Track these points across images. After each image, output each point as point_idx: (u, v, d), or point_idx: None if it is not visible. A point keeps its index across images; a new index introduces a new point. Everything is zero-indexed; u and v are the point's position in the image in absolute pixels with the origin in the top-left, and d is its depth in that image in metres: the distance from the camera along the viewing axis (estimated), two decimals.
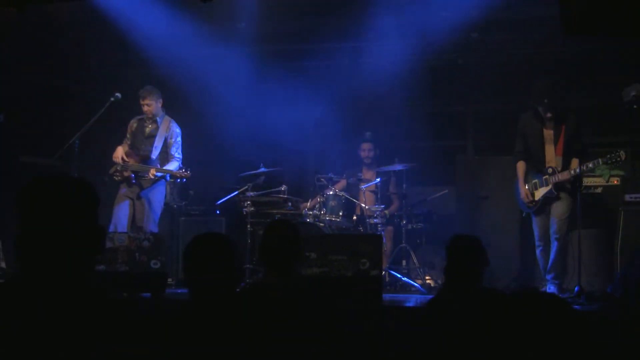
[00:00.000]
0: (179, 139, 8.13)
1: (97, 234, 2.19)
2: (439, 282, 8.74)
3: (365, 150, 9.23)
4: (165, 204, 9.17)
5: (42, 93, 9.47)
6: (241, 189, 8.87)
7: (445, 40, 9.57)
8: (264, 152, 10.03)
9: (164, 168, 7.85)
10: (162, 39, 9.97)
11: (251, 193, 8.74)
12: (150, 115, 8.09)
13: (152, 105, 8.02)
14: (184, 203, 9.54)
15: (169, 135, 8.08)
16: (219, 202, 9.14)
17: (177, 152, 8.09)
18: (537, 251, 7.45)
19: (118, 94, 7.91)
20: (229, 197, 9.00)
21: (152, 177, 7.78)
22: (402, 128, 10.26)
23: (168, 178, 8.18)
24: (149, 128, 8.12)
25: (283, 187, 8.82)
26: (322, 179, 8.65)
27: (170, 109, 9.33)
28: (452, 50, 9.74)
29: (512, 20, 9.02)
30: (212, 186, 9.69)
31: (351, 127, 10.33)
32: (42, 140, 9.03)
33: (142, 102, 8.02)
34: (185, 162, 8.62)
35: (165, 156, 8.06)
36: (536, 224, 7.47)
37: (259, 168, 8.85)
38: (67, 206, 2.11)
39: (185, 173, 7.82)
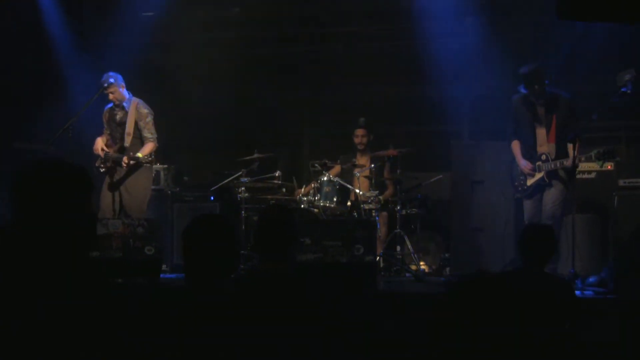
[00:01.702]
0: (149, 118, 7.98)
1: (89, 220, 2.18)
2: (433, 267, 8.76)
3: (359, 136, 9.20)
4: (159, 190, 9.16)
5: (36, 79, 9.42)
6: (235, 175, 8.85)
7: (439, 25, 9.59)
8: (258, 137, 10.05)
9: (135, 155, 7.75)
10: (157, 23, 9.98)
11: (245, 179, 8.72)
12: (117, 103, 8.01)
13: (115, 91, 7.90)
14: (177, 189, 9.54)
15: (138, 119, 7.98)
16: (213, 188, 9.13)
17: (149, 133, 7.96)
18: None
19: (112, 79, 7.86)
20: (223, 183, 8.99)
21: (125, 165, 7.72)
22: (397, 113, 10.27)
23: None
24: (118, 115, 8.03)
25: (277, 173, 8.80)
26: (316, 165, 8.62)
27: (163, 93, 9.33)
28: (446, 34, 9.72)
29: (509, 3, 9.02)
30: (206, 172, 9.68)
31: (345, 113, 10.34)
32: (36, 126, 8.99)
33: (105, 92, 7.93)
34: (176, 146, 8.63)
35: (140, 140, 7.99)
36: (526, 207, 7.54)
37: (253, 154, 8.83)
38: (61, 191, 2.09)
39: (149, 159, 7.76)
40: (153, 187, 8.91)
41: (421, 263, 8.57)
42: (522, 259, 4.84)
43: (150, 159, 7.75)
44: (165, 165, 9.42)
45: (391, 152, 8.68)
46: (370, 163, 8.86)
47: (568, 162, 7.10)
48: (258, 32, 10.21)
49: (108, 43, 9.52)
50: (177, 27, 10.08)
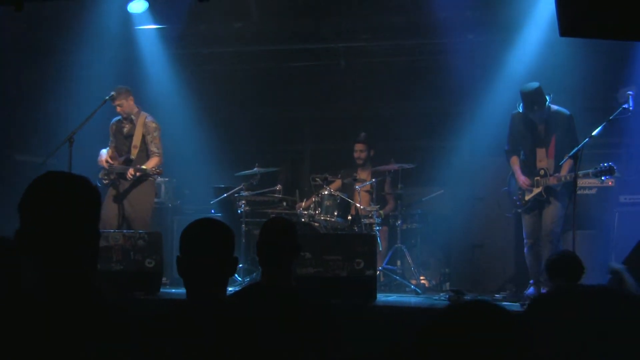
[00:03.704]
0: (157, 133, 8.04)
1: (96, 235, 2.17)
2: (433, 282, 8.75)
3: (358, 150, 9.23)
4: (160, 203, 9.16)
5: (35, 91, 9.44)
6: (236, 189, 8.86)
7: (441, 41, 9.63)
8: (259, 151, 10.05)
9: (141, 167, 7.77)
10: (155, 38, 10.02)
11: (246, 192, 8.72)
12: (125, 115, 8.03)
13: (123, 104, 7.94)
14: (178, 202, 9.54)
15: (146, 132, 8.00)
16: (214, 201, 9.13)
17: (155, 147, 8.00)
18: (525, 249, 7.55)
19: (113, 92, 7.88)
20: (223, 196, 8.99)
21: (130, 177, 7.74)
22: (398, 128, 10.27)
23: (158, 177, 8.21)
24: (126, 128, 8.07)
25: (278, 187, 8.81)
26: (317, 179, 8.63)
27: (163, 107, 9.33)
28: (447, 51, 9.76)
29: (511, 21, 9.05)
30: (207, 185, 9.68)
31: (346, 127, 10.34)
32: (36, 138, 9.00)
33: (113, 104, 7.95)
34: (177, 159, 8.60)
35: (145, 154, 8.01)
36: (525, 222, 7.55)
37: (254, 167, 8.83)
38: (74, 205, 2.08)
39: (157, 170, 7.78)
40: (154, 200, 8.91)
41: (421, 278, 8.56)
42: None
43: (158, 170, 7.78)
44: (166, 179, 9.42)
45: (392, 166, 8.70)
46: (371, 178, 8.88)
47: (555, 179, 7.14)
48: (260, 47, 10.23)
49: (106, 56, 9.54)
50: (179, 41, 10.10)
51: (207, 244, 2.95)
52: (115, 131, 8.16)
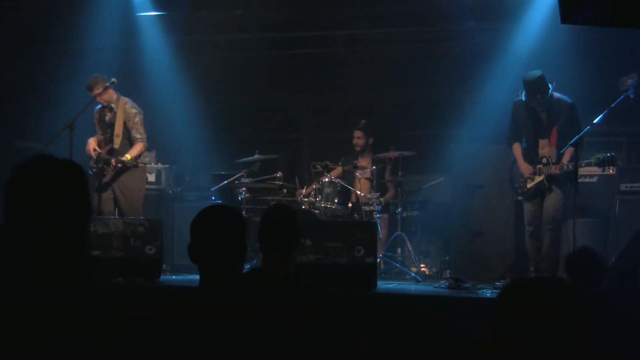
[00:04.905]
0: (138, 118, 7.89)
1: (84, 216, 2.14)
2: (434, 270, 8.77)
3: (356, 137, 9.22)
4: (160, 190, 9.16)
5: (36, 78, 9.42)
6: (236, 176, 8.85)
7: (441, 28, 9.62)
8: (260, 138, 10.05)
9: (121, 159, 7.69)
10: (155, 25, 10.00)
11: (246, 179, 8.72)
12: (106, 104, 7.94)
13: (101, 94, 7.79)
14: (179, 189, 9.54)
15: (127, 119, 7.86)
16: (214, 188, 9.12)
17: (138, 133, 7.87)
18: (526, 235, 7.53)
19: (114, 79, 7.82)
20: (224, 183, 8.98)
21: (113, 167, 7.68)
22: (398, 115, 10.27)
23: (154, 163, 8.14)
24: (108, 117, 7.94)
25: (278, 174, 8.80)
26: (317, 166, 8.63)
27: (164, 94, 9.31)
28: (447, 39, 9.75)
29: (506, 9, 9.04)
30: (207, 172, 9.68)
31: (346, 114, 10.34)
32: (36, 125, 8.99)
33: (92, 95, 7.81)
34: (178, 147, 8.54)
35: (129, 141, 7.91)
36: (526, 209, 7.55)
37: (254, 154, 8.83)
38: (52, 187, 2.06)
39: (134, 163, 7.70)
40: (155, 187, 8.92)
41: (421, 265, 8.57)
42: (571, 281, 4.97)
43: (134, 162, 7.68)
44: (167, 165, 9.42)
45: (392, 154, 8.69)
46: (372, 165, 8.88)
47: (557, 168, 7.14)
48: (260, 35, 10.20)
49: (107, 43, 9.52)
50: (179, 29, 10.08)
51: (219, 231, 2.95)
52: (98, 120, 8.03)
